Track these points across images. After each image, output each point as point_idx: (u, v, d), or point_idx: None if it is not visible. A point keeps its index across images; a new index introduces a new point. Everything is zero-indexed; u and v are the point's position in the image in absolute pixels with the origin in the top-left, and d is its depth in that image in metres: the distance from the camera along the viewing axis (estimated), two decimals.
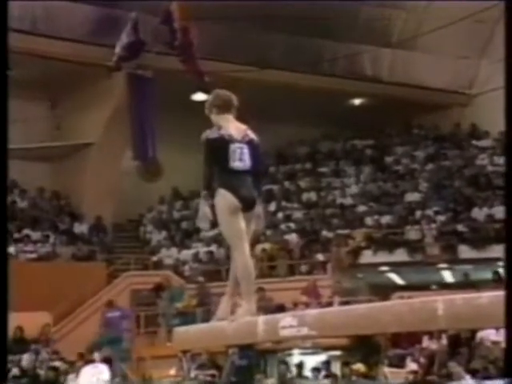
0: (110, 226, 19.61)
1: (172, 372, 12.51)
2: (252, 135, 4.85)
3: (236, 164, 4.68)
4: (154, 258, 18.33)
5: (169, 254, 18.49)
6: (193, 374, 11.42)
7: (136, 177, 17.11)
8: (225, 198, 4.66)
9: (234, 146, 4.69)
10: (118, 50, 13.76)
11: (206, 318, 14.31)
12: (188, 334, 5.18)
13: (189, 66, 13.69)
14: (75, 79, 17.83)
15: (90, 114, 18.66)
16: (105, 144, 18.72)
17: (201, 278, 16.30)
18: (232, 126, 4.80)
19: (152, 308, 15.94)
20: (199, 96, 18.83)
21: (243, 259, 4.64)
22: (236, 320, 4.57)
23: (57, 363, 13.20)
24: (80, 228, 18.93)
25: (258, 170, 4.79)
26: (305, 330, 3.96)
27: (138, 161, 15.13)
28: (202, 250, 18.06)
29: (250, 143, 4.78)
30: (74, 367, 12.79)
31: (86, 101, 18.44)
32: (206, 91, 18.69)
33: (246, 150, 4.73)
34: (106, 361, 12.15)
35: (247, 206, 4.69)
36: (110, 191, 19.05)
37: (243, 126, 4.88)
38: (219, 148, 4.68)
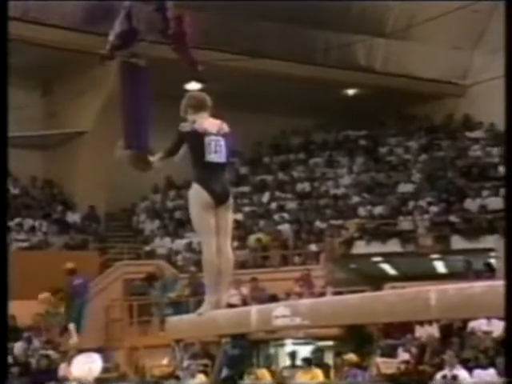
0: (103, 215, 19.59)
1: (165, 361, 12.55)
2: (227, 129, 4.98)
3: (212, 156, 4.79)
4: (147, 248, 18.33)
5: (162, 244, 18.50)
6: (185, 363, 11.44)
7: (129, 166, 17.07)
8: (197, 193, 4.78)
9: (208, 139, 4.81)
10: (111, 38, 13.67)
11: (199, 308, 14.34)
12: (181, 323, 5.20)
13: (182, 55, 13.65)
14: (68, 67, 17.78)
15: (83, 103, 18.60)
16: (98, 133, 18.67)
17: (193, 268, 16.30)
18: (207, 121, 4.95)
19: (145, 297, 15.95)
20: (193, 85, 18.82)
21: (208, 254, 4.77)
22: (202, 314, 4.70)
23: (49, 352, 13.20)
24: (73, 217, 18.91)
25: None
26: (297, 320, 3.97)
27: (130, 150, 15.09)
28: (195, 239, 18.04)
29: (225, 136, 4.90)
30: (66, 356, 12.79)
31: (78, 89, 18.38)
32: (200, 80, 18.79)
33: (221, 143, 4.85)
34: (99, 350, 12.16)
35: (220, 201, 4.81)
36: (103, 180, 19.03)
37: (218, 121, 5.02)
38: (194, 141, 4.82)
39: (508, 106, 3.36)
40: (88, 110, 18.71)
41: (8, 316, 4.57)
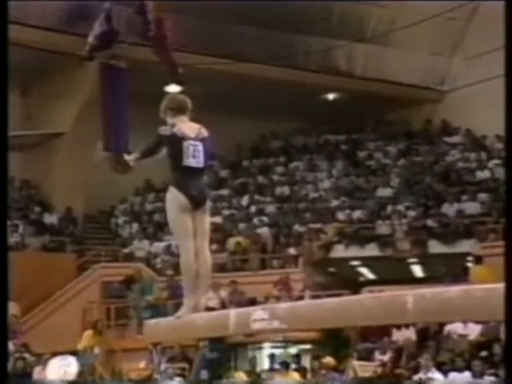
0: (81, 217, 19.50)
1: (142, 365, 12.51)
2: (206, 133, 4.98)
3: (190, 161, 4.79)
4: (125, 250, 18.26)
5: (140, 247, 18.43)
6: (163, 366, 11.41)
7: (108, 168, 17.02)
8: (174, 197, 4.79)
9: (187, 143, 4.80)
10: (90, 39, 13.66)
11: (177, 311, 14.31)
12: (159, 326, 5.19)
13: (162, 57, 13.66)
14: (47, 68, 17.69)
15: (62, 104, 18.51)
16: (76, 134, 18.58)
17: (172, 271, 16.28)
18: (186, 125, 4.93)
19: (122, 300, 15.89)
20: (173, 87, 18.79)
21: (186, 257, 4.78)
22: (180, 317, 4.70)
23: (25, 355, 13.11)
24: (50, 219, 18.79)
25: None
26: (276, 324, 3.99)
27: (109, 152, 15.05)
28: (174, 242, 18.01)
29: (203, 141, 4.90)
30: (40, 359, 12.70)
31: (57, 90, 18.29)
32: (180, 83, 18.73)
33: (200, 148, 4.85)
34: (75, 353, 12.10)
35: (197, 204, 4.81)
36: (81, 182, 18.94)
37: (197, 125, 5.00)
38: (172, 145, 4.81)
39: (508, 107, 3.34)
40: (66, 111, 18.62)
41: (8, 316, 4.52)
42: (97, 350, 12.99)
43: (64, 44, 16.16)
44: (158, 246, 18.13)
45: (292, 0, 17.88)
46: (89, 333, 13.36)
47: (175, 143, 4.80)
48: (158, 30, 13.26)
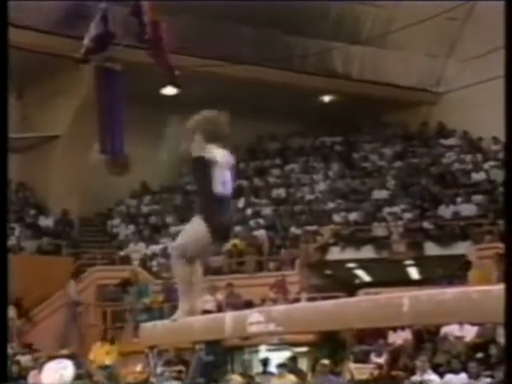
0: (77, 219, 19.47)
1: (138, 368, 12.48)
2: (233, 160, 4.66)
3: (219, 188, 4.48)
4: (122, 253, 18.25)
5: (136, 249, 18.42)
6: (159, 370, 11.38)
7: (104, 170, 16.99)
8: (198, 230, 4.51)
9: (218, 170, 4.48)
10: (86, 41, 13.63)
11: (173, 314, 14.29)
12: (155, 329, 5.18)
13: (158, 60, 13.64)
14: (43, 70, 17.67)
15: (58, 106, 18.50)
16: (72, 136, 18.57)
17: (166, 274, 16.28)
18: (218, 151, 4.55)
19: (119, 303, 15.88)
20: (169, 90, 18.80)
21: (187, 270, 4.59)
22: (176, 320, 4.64)
23: (21, 358, 13.07)
24: (45, 221, 18.76)
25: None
26: (272, 326, 3.99)
27: (105, 154, 15.01)
28: (170, 244, 18.01)
29: (231, 168, 4.60)
30: (36, 362, 12.66)
31: (53, 92, 18.28)
32: (176, 85, 18.70)
33: (229, 175, 4.56)
34: (71, 357, 12.06)
35: (220, 238, 4.65)
36: (77, 184, 18.93)
37: (226, 151, 4.63)
38: (203, 169, 4.48)
39: (508, 108, 3.31)
40: (62, 113, 18.61)
41: (8, 317, 4.49)
42: (108, 361, 12.90)
43: (59, 46, 16.15)
44: (155, 249, 18.12)
45: (289, 0, 17.88)
46: (98, 344, 13.30)
47: (206, 168, 4.45)
48: (153, 32, 13.24)
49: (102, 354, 13.13)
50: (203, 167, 4.46)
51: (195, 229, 4.55)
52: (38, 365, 12.33)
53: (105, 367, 12.59)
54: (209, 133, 4.52)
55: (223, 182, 4.51)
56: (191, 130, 4.60)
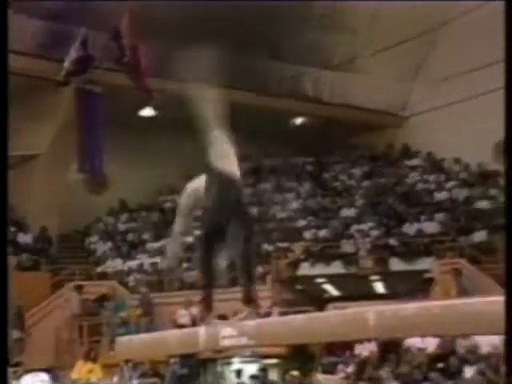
0: (56, 236, 19.29)
1: (114, 380, 12.34)
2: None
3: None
4: (99, 269, 18.09)
5: (114, 265, 18.27)
6: (135, 382, 11.28)
7: (83, 189, 16.90)
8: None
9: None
10: (66, 64, 13.62)
11: (150, 328, 14.20)
12: (131, 343, 5.16)
13: (137, 82, 13.66)
14: (24, 91, 17.54)
15: (38, 126, 18.36)
16: (52, 156, 18.43)
17: (143, 289, 16.18)
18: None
19: (96, 318, 15.71)
20: (147, 112, 18.78)
21: None
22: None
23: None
24: (24, 238, 18.55)
25: None
26: (244, 340, 3.99)
27: (84, 174, 14.95)
28: (146, 261, 17.92)
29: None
30: (15, 375, 12.45)
31: (34, 113, 18.14)
32: (154, 107, 18.66)
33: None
34: (48, 370, 11.86)
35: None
36: (56, 202, 18.76)
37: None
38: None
39: (508, 110, 3.33)
40: (42, 133, 18.47)
41: (8, 316, 4.35)
42: (93, 379, 12.70)
43: (40, 69, 16.06)
44: (131, 265, 18.00)
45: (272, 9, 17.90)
46: (81, 362, 13.08)
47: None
48: (132, 55, 13.27)
49: (85, 372, 12.93)
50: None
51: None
52: (16, 377, 12.12)
53: None
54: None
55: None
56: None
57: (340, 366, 11.91)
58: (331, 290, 17.92)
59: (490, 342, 10.22)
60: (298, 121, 20.95)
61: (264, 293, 15.23)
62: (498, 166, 18.22)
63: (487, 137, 18.05)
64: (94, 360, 13.01)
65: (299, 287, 16.90)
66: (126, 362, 5.17)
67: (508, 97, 3.32)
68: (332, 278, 16.88)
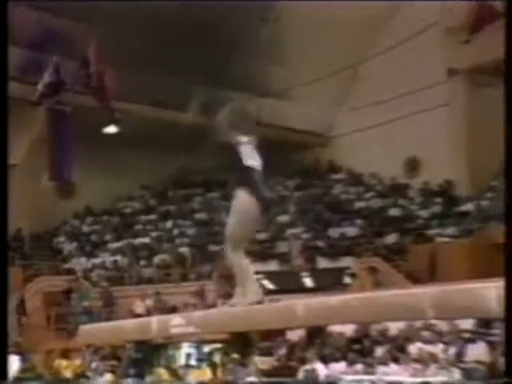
0: (28, 236, 18.80)
1: (77, 363, 12.06)
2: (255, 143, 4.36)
3: (252, 162, 4.15)
4: (66, 266, 17.69)
5: (79, 262, 17.89)
6: (96, 364, 11.05)
7: (54, 195, 16.51)
8: (246, 202, 3.97)
9: (246, 148, 4.19)
10: (40, 87, 13.33)
11: (109, 317, 13.95)
12: (92, 330, 5.03)
13: (102, 104, 13.46)
14: None
15: (15, 140, 17.79)
16: (27, 166, 17.95)
17: (104, 284, 15.92)
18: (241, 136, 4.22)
19: (62, 308, 15.35)
20: (111, 129, 18.55)
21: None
22: (235, 305, 3.93)
23: None
24: None
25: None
26: (191, 329, 3.93)
27: (54, 181, 14.63)
28: (107, 259, 17.62)
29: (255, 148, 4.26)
30: None
31: (11, 128, 17.59)
32: (117, 125, 18.45)
33: (255, 152, 4.24)
34: (18, 353, 11.53)
35: (266, 207, 4.05)
36: (30, 206, 18.28)
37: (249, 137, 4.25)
38: (233, 150, 4.12)
39: (507, 111, 3.12)
40: (18, 146, 17.96)
41: (7, 310, 4.11)
42: (68, 374, 12.30)
43: (18, 91, 15.65)
44: (94, 262, 17.66)
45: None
46: (60, 362, 12.64)
47: (236, 148, 4.12)
48: (98, 81, 13.08)
49: (62, 369, 12.57)
50: (232, 149, 4.10)
51: (243, 201, 3.99)
52: None
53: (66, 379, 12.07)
54: (233, 121, 4.17)
55: (253, 157, 4.20)
56: (220, 121, 4.16)
57: (274, 350, 11.92)
58: (268, 284, 17.92)
59: (396, 326, 10.41)
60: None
61: (210, 287, 15.16)
62: (407, 180, 18.65)
63: (398, 155, 18.47)
64: (70, 358, 12.60)
65: None
66: (88, 347, 5.04)
67: (508, 100, 3.10)
68: (268, 275, 16.89)
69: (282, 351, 11.72)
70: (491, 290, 2.75)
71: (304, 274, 16.81)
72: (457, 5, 16.34)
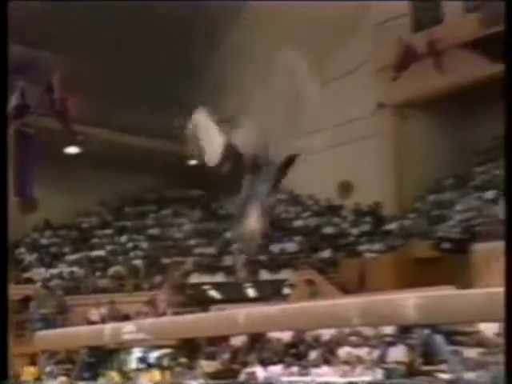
0: None
1: (33, 367, 11.61)
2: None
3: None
4: (26, 275, 17.09)
5: (38, 272, 17.33)
6: (51, 368, 10.68)
7: (16, 209, 15.97)
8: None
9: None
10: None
11: (64, 324, 13.53)
12: (48, 336, 4.87)
13: (64, 126, 13.23)
14: None
15: None
16: None
17: (60, 292, 15.52)
18: None
19: (21, 315, 14.80)
20: (72, 149, 18.21)
21: None
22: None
23: None
24: None
25: None
26: (142, 335, 3.87)
27: (18, 197, 14.22)
28: (65, 269, 17.16)
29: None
30: None
31: None
32: (78, 146, 18.10)
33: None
34: None
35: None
36: None
37: None
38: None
39: (507, 111, 3.00)
40: None
41: (8, 310, 3.87)
42: (31, 378, 11.75)
43: None
44: (53, 272, 17.16)
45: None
46: (29, 369, 12.08)
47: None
48: (61, 105, 12.86)
49: (28, 375, 12.04)
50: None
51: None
52: None
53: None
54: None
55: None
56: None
57: (218, 354, 11.81)
58: (215, 294, 17.80)
59: (328, 332, 10.51)
60: (193, 161, 20.84)
61: (161, 297, 14.93)
62: (341, 201, 18.95)
63: (333, 179, 18.75)
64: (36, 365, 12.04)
65: (190, 292, 16.68)
66: (43, 352, 4.87)
67: (507, 101, 2.95)
68: (215, 285, 16.80)
69: (226, 356, 11.64)
70: (409, 300, 2.83)
71: (247, 285, 16.78)
72: (386, 46, 16.89)
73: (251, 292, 17.73)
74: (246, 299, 16.79)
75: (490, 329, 8.82)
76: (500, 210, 13.84)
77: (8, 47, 4.12)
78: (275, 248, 16.93)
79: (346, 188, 18.96)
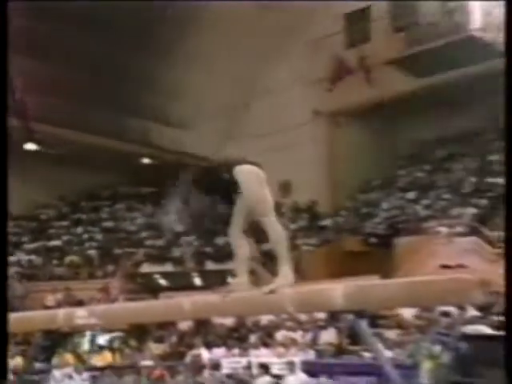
0: None
1: None
2: None
3: None
4: None
5: None
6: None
7: None
8: (250, 170, 3.44)
9: None
10: None
11: (25, 308, 13.03)
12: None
13: (24, 125, 12.80)
14: None
15: None
16: None
17: (21, 279, 14.93)
18: None
19: None
20: (30, 146, 17.60)
21: (280, 227, 3.39)
22: (274, 290, 3.24)
23: None
24: None
25: None
26: (94, 320, 3.78)
27: None
28: (24, 258, 16.55)
29: None
30: None
31: None
32: (36, 143, 17.54)
33: None
34: None
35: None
36: None
37: None
38: None
39: (507, 112, 2.85)
40: None
41: (7, 307, 3.64)
42: None
43: None
44: (12, 260, 16.50)
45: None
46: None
47: None
48: (21, 105, 12.44)
49: None
50: None
51: (245, 171, 3.51)
52: None
53: None
54: None
55: None
56: None
57: (166, 337, 11.70)
58: (164, 283, 17.61)
59: (267, 318, 10.61)
60: (146, 160, 20.57)
61: (114, 284, 14.65)
62: (281, 199, 19.11)
63: (274, 179, 18.87)
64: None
65: (141, 281, 16.44)
66: None
67: (507, 100, 2.78)
68: (164, 275, 16.63)
69: (174, 339, 11.55)
70: (338, 289, 2.90)
71: (194, 274, 16.70)
72: (322, 60, 17.19)
73: (198, 281, 17.65)
74: (192, 287, 16.69)
75: (408, 312, 9.13)
76: (419, 209, 14.36)
77: (8, 48, 3.81)
78: (220, 240, 16.90)
79: (285, 188, 19.17)
